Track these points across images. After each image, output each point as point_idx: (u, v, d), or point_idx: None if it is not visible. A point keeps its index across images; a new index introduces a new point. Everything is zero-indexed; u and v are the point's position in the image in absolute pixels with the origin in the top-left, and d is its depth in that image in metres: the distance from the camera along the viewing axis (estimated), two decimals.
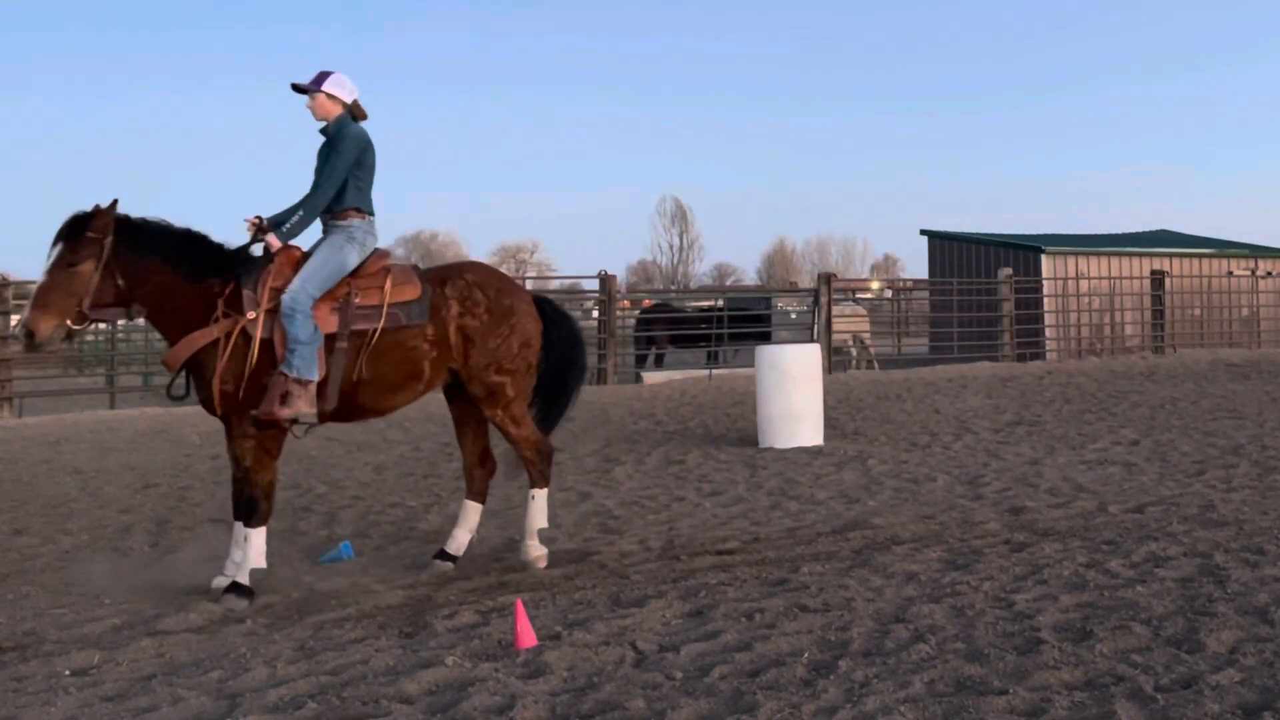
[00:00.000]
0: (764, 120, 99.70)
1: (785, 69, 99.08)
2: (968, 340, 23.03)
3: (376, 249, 5.93)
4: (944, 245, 27.35)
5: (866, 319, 24.12)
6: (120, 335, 21.72)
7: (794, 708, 3.72)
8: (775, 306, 24.51)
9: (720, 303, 24.33)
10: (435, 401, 16.71)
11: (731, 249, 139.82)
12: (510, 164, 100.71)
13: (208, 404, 5.59)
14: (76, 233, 5.36)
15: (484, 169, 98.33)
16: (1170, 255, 26.49)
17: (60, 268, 5.33)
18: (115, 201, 5.45)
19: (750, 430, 11.39)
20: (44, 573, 6.45)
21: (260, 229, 5.73)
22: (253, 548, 5.65)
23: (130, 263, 5.43)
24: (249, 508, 5.70)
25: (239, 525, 5.73)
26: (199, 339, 5.45)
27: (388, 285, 5.75)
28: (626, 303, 26.67)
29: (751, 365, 11.82)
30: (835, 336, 21.10)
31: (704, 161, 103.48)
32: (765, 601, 5.03)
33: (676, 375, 19.30)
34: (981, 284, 24.00)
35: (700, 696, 3.86)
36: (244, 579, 5.60)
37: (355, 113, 5.94)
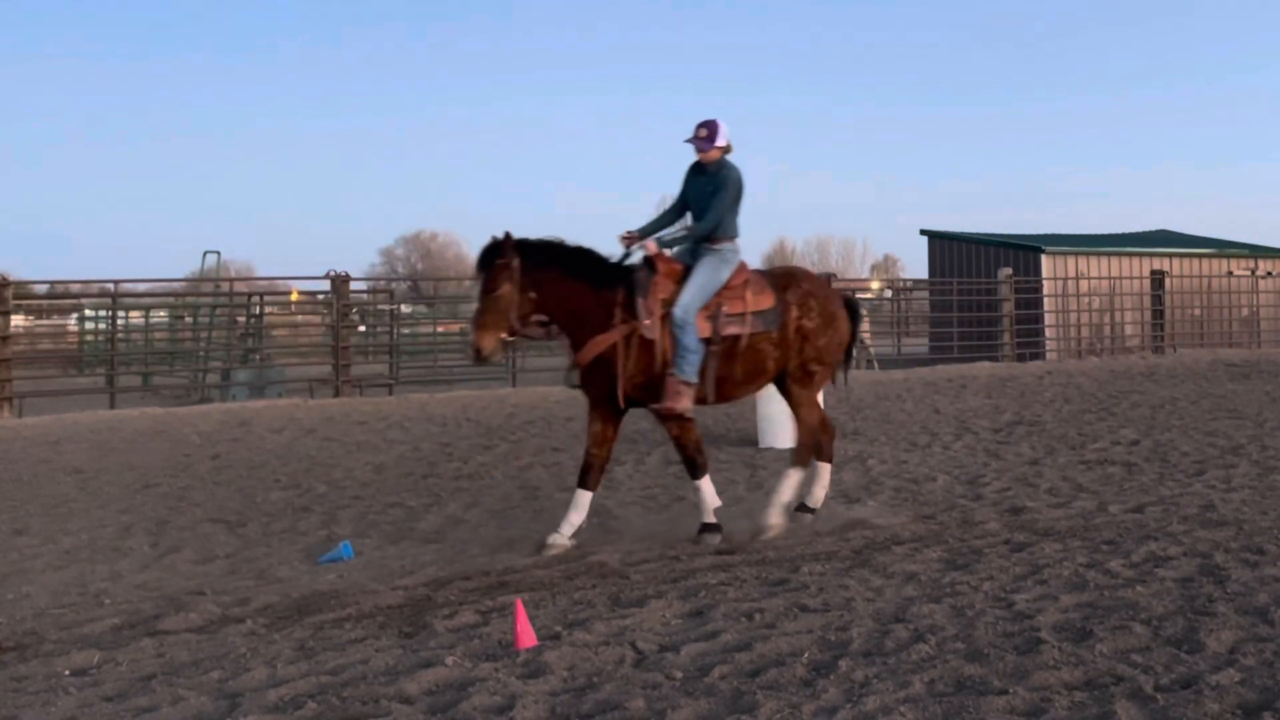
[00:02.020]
0: (763, 120, 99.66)
1: (785, 69, 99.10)
2: (968, 340, 23.03)
3: (740, 263, 6.72)
4: (944, 245, 27.34)
5: (867, 319, 24.11)
6: (120, 335, 21.72)
7: (794, 708, 3.72)
8: None
9: None
10: (435, 402, 16.71)
11: None
12: (510, 164, 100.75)
13: (610, 394, 6.40)
14: (489, 262, 6.28)
15: (484, 169, 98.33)
16: (1170, 255, 26.51)
17: (485, 294, 6.27)
18: (509, 233, 6.32)
19: (750, 430, 11.38)
20: (44, 573, 6.45)
21: (634, 240, 6.57)
22: (577, 507, 6.53)
23: (537, 278, 6.30)
24: (584, 473, 6.60)
25: (578, 491, 6.60)
26: (604, 341, 6.31)
27: (749, 296, 6.58)
28: None
29: None
30: None
31: None
32: (765, 601, 5.03)
33: None
34: (981, 284, 24.00)
35: (700, 696, 3.86)
36: (568, 530, 6.47)
37: (727, 149, 6.78)
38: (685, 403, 6.42)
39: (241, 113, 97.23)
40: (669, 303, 6.38)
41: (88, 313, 25.33)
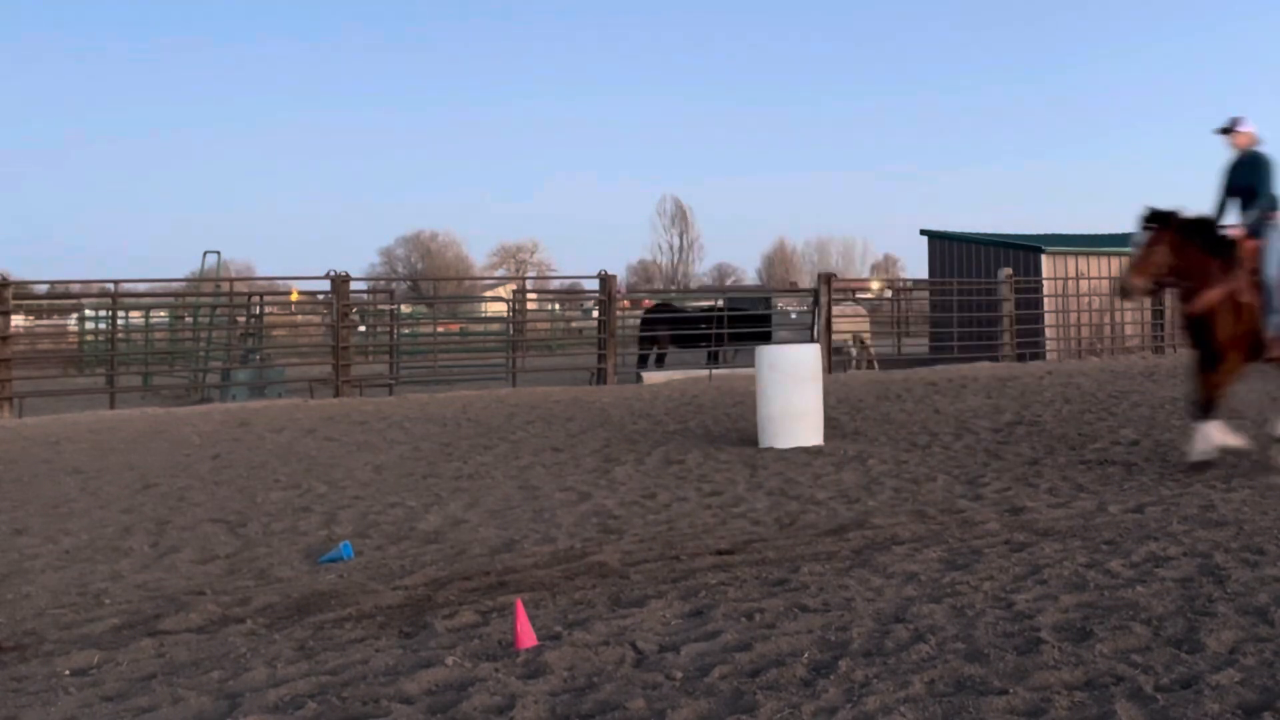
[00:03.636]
0: (764, 120, 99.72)
1: (785, 69, 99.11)
2: (968, 340, 23.02)
3: None
4: (944, 245, 27.32)
5: (867, 319, 24.11)
6: (120, 335, 21.72)
7: (794, 708, 3.72)
8: (775, 306, 24.51)
9: (720, 303, 24.28)
10: (435, 402, 16.71)
11: (731, 249, 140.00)
12: (511, 164, 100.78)
13: (1205, 343, 8.04)
14: (1159, 222, 7.92)
15: (484, 169, 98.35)
16: None
17: (1147, 246, 7.93)
18: (1181, 208, 8.02)
19: (750, 430, 11.38)
20: (44, 573, 6.45)
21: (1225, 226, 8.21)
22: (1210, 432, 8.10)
23: (1179, 246, 7.93)
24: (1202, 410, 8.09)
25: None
26: (1211, 298, 7.88)
27: None
28: (626, 303, 26.69)
29: (751, 365, 11.81)
30: (835, 336, 21.10)
31: (704, 161, 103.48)
32: (765, 601, 5.03)
33: (677, 375, 19.31)
34: (981, 284, 24.00)
35: (700, 696, 3.86)
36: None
37: (1254, 139, 8.45)
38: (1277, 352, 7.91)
39: (242, 112, 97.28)
40: (1256, 272, 7.90)
41: (88, 313, 25.33)
